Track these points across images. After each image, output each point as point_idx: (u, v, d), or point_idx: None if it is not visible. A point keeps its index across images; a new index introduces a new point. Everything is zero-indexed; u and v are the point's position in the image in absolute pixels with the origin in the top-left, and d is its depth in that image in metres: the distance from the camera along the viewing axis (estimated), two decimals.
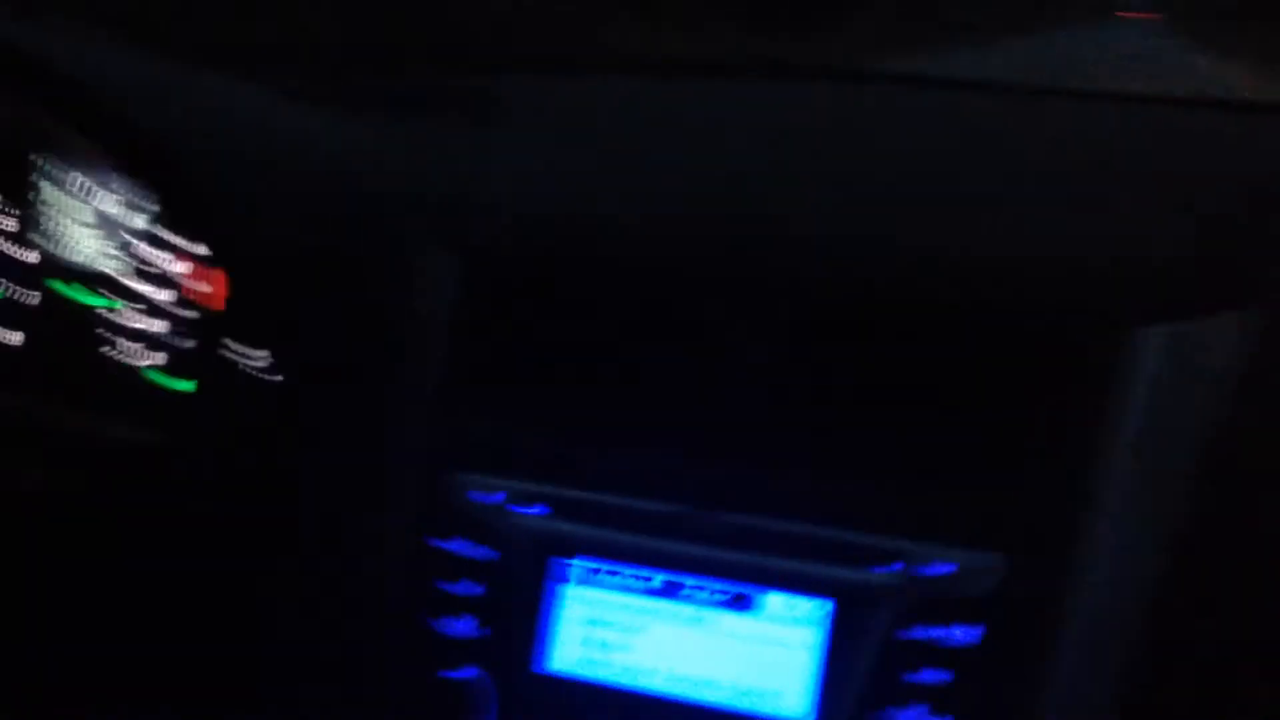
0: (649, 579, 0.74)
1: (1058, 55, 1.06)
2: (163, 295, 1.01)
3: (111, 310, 1.04)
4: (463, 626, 0.76)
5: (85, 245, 1.07)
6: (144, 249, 1.02)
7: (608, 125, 0.93)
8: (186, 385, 1.00)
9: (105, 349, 1.03)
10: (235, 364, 0.97)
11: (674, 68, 1.00)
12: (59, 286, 1.05)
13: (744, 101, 0.94)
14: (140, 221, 1.05)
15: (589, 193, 0.84)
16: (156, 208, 1.03)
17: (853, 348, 0.73)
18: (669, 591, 0.74)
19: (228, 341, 0.98)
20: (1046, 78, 0.96)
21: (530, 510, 0.76)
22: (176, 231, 1.01)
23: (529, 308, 0.79)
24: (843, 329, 0.74)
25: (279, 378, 0.93)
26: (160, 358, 1.01)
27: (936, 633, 0.69)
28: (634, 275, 0.77)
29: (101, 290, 1.04)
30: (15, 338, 1.00)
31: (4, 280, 1.02)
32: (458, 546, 0.77)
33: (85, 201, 1.07)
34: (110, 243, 1.06)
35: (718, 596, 0.73)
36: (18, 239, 1.03)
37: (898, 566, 0.70)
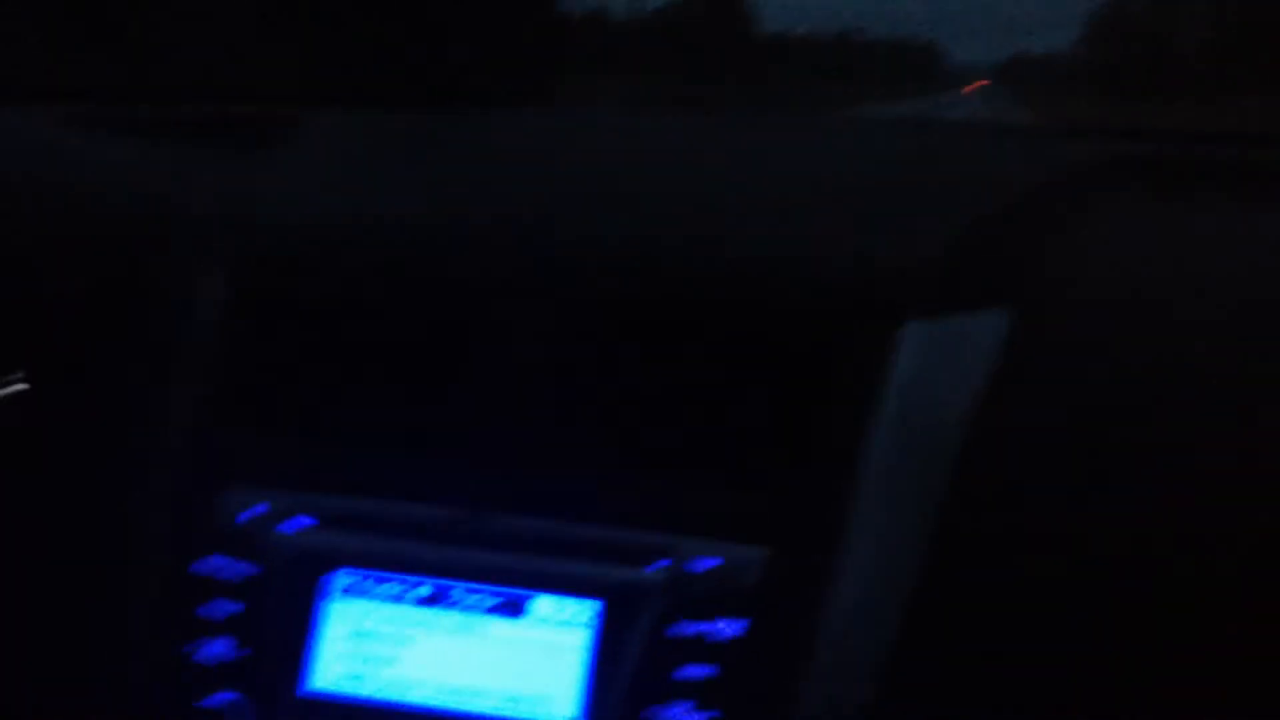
0: (416, 588, 0.72)
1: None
2: None
3: None
4: (220, 649, 0.73)
5: None
6: None
7: (374, 145, 0.93)
8: None
9: None
10: None
11: (446, 99, 1.02)
12: None
13: (510, 126, 0.95)
14: None
15: (352, 204, 0.84)
16: None
17: (617, 347, 0.74)
18: (436, 600, 0.72)
19: None
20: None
21: (293, 523, 0.74)
22: None
23: (288, 317, 0.78)
24: (607, 330, 0.74)
25: (37, 399, 0.88)
26: None
27: (702, 628, 0.69)
28: (394, 280, 0.77)
29: None
30: None
31: None
32: (215, 565, 0.74)
33: None
34: None
35: (486, 602, 0.71)
36: None
37: (664, 563, 0.70)
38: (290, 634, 0.72)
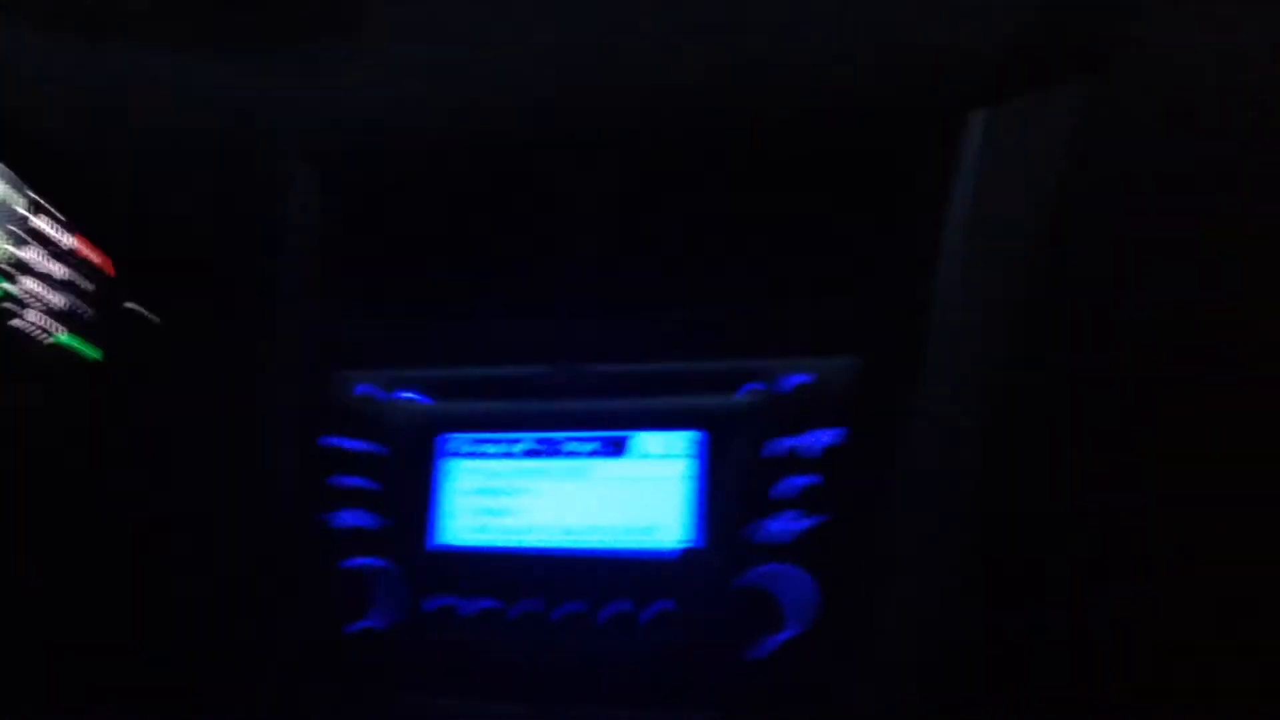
0: (521, 442, 0.75)
1: None
2: (57, 270, 1.03)
3: (9, 294, 1.06)
4: (357, 516, 0.77)
5: None
6: (32, 228, 1.05)
7: (440, 26, 0.96)
8: (93, 352, 1.02)
9: (11, 327, 1.05)
10: (133, 322, 0.99)
11: None
12: None
13: None
14: (23, 202, 1.07)
15: (429, 91, 0.87)
16: (34, 187, 1.06)
17: (686, 182, 0.75)
18: (547, 450, 0.75)
19: (119, 301, 1.00)
20: None
21: (409, 395, 0.78)
22: (55, 207, 1.03)
23: (374, 207, 0.82)
24: (675, 166, 0.75)
25: (166, 323, 0.94)
26: (63, 328, 1.03)
27: (800, 441, 0.70)
28: (465, 155, 0.80)
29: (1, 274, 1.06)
30: None
31: None
32: (343, 442, 0.78)
33: None
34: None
35: (592, 446, 0.74)
36: None
37: (758, 386, 0.71)
38: (415, 497, 0.76)
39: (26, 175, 1.06)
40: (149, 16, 1.04)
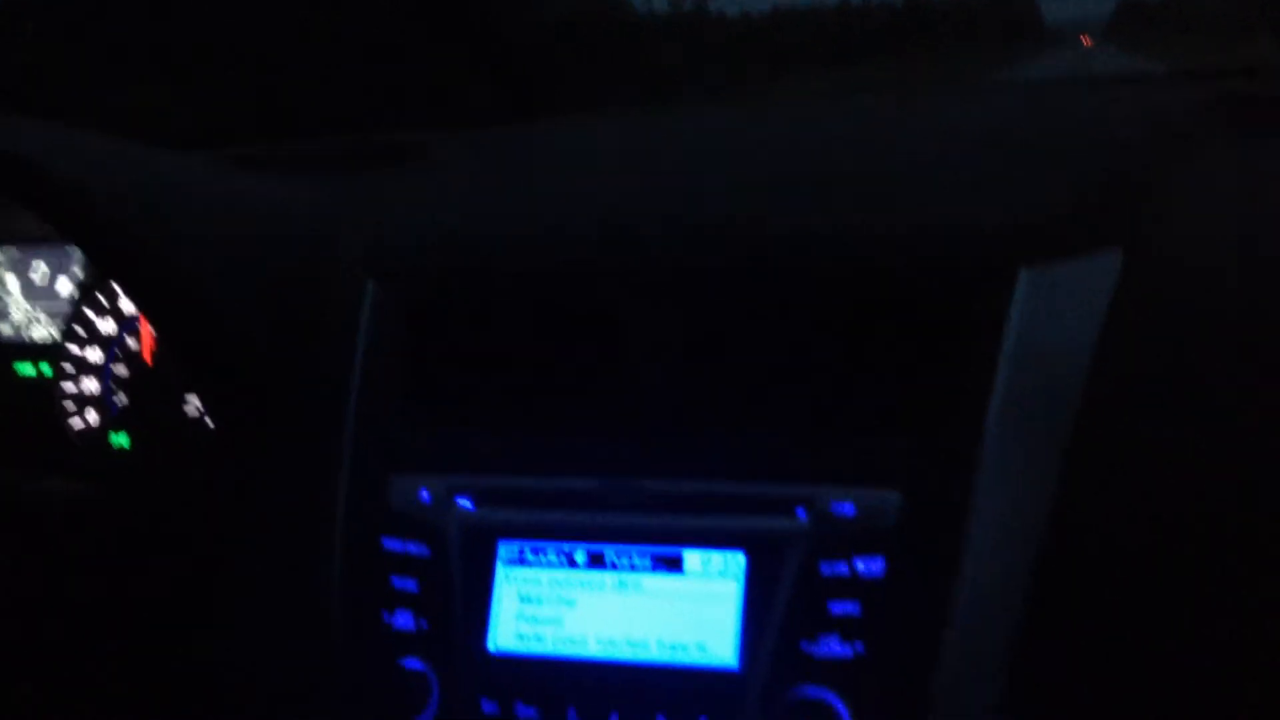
0: (573, 553, 0.79)
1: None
2: (93, 356, 1.05)
3: (45, 377, 1.08)
4: (402, 620, 0.80)
5: (15, 315, 1.10)
6: (72, 312, 1.07)
7: (500, 160, 1.01)
8: (122, 440, 1.03)
9: (43, 413, 1.06)
10: (168, 413, 1.02)
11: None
12: None
13: (621, 129, 1.02)
14: (67, 286, 1.09)
15: (489, 217, 0.91)
16: (82, 271, 1.08)
17: (746, 315, 0.80)
18: (593, 563, 0.78)
19: (159, 392, 1.02)
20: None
21: (458, 502, 0.81)
22: (103, 291, 1.05)
23: (439, 322, 0.85)
24: (738, 299, 0.80)
25: (211, 420, 0.97)
26: (94, 416, 1.04)
27: (841, 568, 0.74)
28: (530, 277, 0.84)
29: (35, 358, 1.08)
30: None
31: None
32: (401, 544, 0.81)
33: (12, 272, 1.12)
34: (38, 309, 1.10)
35: (641, 561, 0.78)
36: None
37: (801, 512, 0.75)
38: (466, 603, 0.79)
39: (81, 256, 1.07)
40: (247, 141, 1.08)
